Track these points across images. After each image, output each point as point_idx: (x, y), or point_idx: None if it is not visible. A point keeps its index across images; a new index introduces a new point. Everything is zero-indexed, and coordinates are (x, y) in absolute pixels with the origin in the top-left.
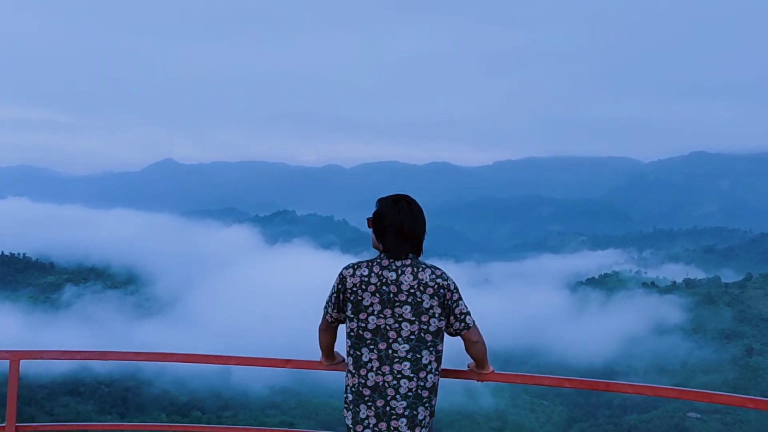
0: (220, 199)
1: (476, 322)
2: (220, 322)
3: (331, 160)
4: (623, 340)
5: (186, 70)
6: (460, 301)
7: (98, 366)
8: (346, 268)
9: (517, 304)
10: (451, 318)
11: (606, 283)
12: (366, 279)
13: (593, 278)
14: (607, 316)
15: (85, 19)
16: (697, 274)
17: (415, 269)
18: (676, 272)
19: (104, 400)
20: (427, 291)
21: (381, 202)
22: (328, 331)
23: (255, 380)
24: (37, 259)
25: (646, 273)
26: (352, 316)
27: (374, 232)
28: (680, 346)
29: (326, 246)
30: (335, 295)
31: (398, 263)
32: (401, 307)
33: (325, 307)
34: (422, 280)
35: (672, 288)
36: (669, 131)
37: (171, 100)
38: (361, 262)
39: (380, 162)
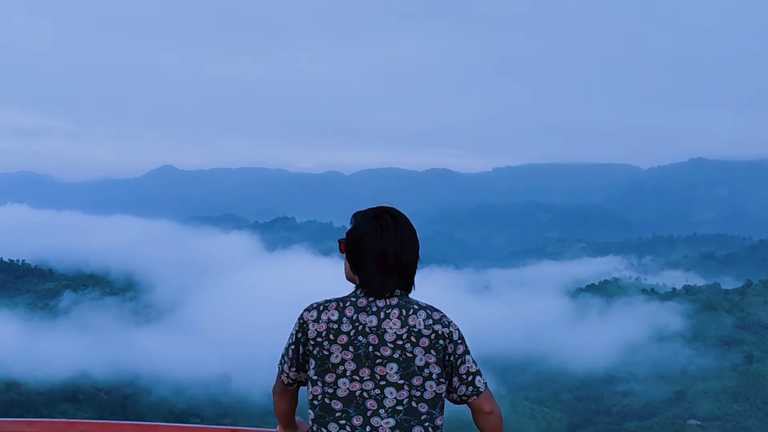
0: (219, 206)
1: (488, 384)
2: (219, 329)
3: (330, 166)
4: (623, 347)
5: (186, 76)
6: (467, 356)
7: (97, 373)
8: (308, 309)
9: (516, 310)
10: (455, 380)
11: (605, 290)
12: (335, 326)
13: (593, 285)
14: (606, 322)
15: (85, 26)
16: (697, 280)
17: (405, 311)
18: (675, 279)
19: (103, 407)
20: (420, 342)
21: (358, 217)
22: (284, 396)
23: (254, 387)
24: (36, 265)
25: (645, 280)
26: (315, 377)
27: (348, 258)
28: (680, 353)
29: (326, 252)
30: (293, 347)
31: (380, 303)
32: (384, 365)
33: (280, 363)
34: (414, 326)
35: (672, 295)
36: (668, 138)
37: (171, 107)
38: (329, 301)
39: (380, 168)
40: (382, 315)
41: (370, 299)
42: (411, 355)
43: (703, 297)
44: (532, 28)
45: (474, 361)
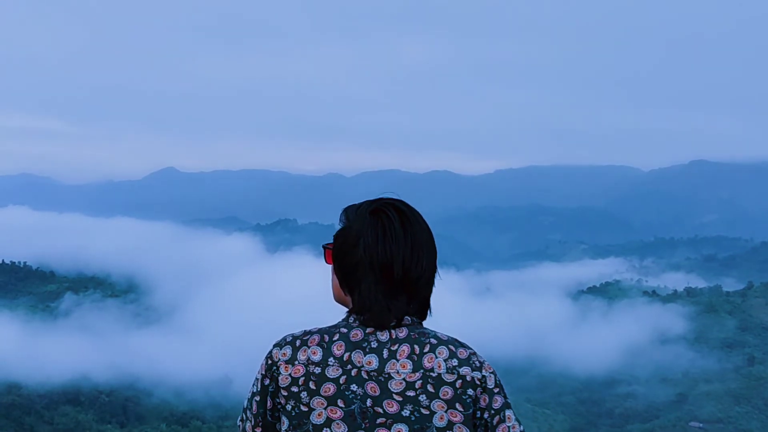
0: (221, 208)
1: None
2: (220, 331)
3: (332, 168)
4: (625, 350)
5: (187, 79)
6: (508, 411)
7: (98, 375)
8: (279, 345)
9: (518, 312)
10: None
11: (607, 292)
12: (318, 369)
13: (594, 287)
14: (608, 324)
15: (86, 28)
16: (698, 282)
17: (418, 348)
18: (677, 281)
19: (104, 409)
20: (441, 392)
21: (350, 214)
22: None
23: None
24: (38, 267)
25: (647, 282)
26: None
27: (337, 271)
28: (682, 355)
29: None
30: (257, 398)
31: (383, 336)
32: (389, 426)
33: (241, 420)
34: (431, 369)
35: (673, 297)
36: (669, 140)
37: (172, 109)
38: (309, 333)
39: (381, 170)
40: (385, 353)
41: (369, 330)
42: (428, 412)
43: (705, 299)
44: (533, 30)
45: (517, 419)
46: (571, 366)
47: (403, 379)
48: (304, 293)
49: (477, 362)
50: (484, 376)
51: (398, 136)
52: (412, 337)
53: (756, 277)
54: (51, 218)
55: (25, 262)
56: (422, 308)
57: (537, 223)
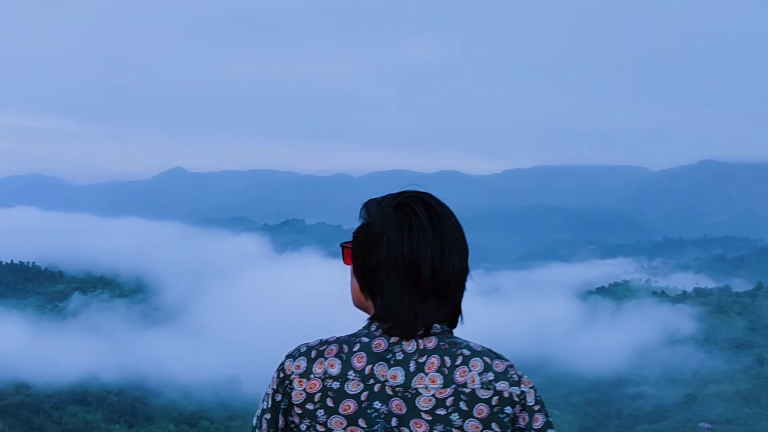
0: (229, 208)
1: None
2: (228, 332)
3: (339, 168)
4: (634, 350)
5: (195, 79)
6: (550, 431)
7: (106, 375)
8: (292, 356)
9: (526, 313)
10: None
11: (616, 292)
12: (336, 384)
13: (603, 287)
14: (617, 325)
15: (94, 28)
16: (708, 283)
17: (449, 360)
18: (686, 281)
19: (112, 409)
20: (475, 410)
21: (371, 209)
22: None
23: (264, 391)
24: (46, 267)
25: (656, 282)
26: None
27: (356, 273)
28: (691, 355)
29: (335, 254)
30: (267, 416)
31: (409, 347)
32: None
33: None
34: (464, 384)
35: (682, 297)
36: (678, 139)
37: (180, 109)
38: (326, 342)
39: (389, 171)
40: (412, 366)
41: (393, 340)
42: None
43: (714, 299)
44: (541, 30)
45: None
46: (580, 366)
47: (433, 395)
48: (312, 294)
49: (515, 376)
50: (523, 392)
51: (406, 136)
52: (442, 347)
53: (765, 278)
54: (59, 218)
55: (33, 262)
56: (453, 314)
57: (545, 223)
